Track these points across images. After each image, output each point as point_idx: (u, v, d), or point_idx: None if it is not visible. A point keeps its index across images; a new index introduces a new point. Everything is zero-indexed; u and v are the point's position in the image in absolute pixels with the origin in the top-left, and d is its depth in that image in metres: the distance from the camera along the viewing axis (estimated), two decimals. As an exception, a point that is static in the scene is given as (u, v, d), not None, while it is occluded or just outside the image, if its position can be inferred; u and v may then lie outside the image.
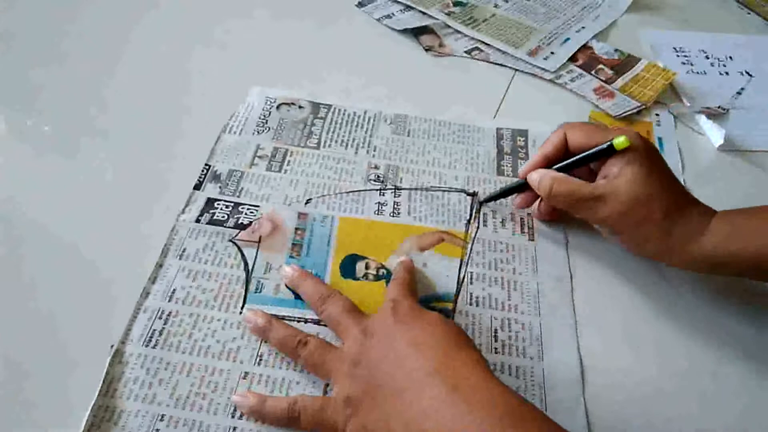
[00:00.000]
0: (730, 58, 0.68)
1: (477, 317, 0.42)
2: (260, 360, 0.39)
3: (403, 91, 0.59)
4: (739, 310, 0.44)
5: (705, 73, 0.66)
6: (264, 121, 0.54)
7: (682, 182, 0.51)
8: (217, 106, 0.55)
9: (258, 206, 0.47)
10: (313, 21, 0.67)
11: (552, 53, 0.66)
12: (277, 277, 0.43)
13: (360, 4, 0.70)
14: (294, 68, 0.60)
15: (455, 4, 0.71)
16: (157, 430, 0.36)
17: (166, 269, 0.43)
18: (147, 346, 0.39)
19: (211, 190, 0.48)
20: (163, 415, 0.36)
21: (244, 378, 0.38)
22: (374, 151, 0.53)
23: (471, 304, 0.43)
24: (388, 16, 0.69)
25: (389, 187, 0.50)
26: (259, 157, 0.51)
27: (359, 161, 0.52)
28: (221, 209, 0.46)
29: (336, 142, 0.53)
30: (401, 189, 0.50)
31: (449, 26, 0.68)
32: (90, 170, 0.49)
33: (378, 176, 0.51)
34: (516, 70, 0.64)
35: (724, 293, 0.45)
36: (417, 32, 0.67)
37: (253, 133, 0.53)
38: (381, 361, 0.35)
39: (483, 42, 0.67)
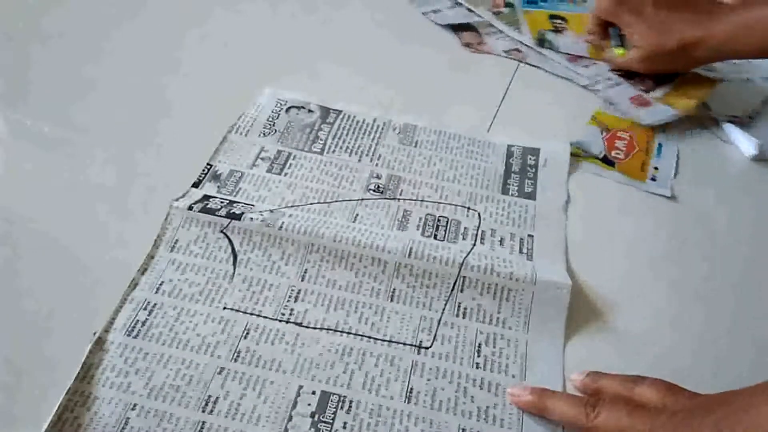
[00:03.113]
0: (751, 63, 0.66)
1: (462, 329, 0.41)
2: (237, 356, 0.39)
3: (411, 90, 0.60)
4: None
5: (728, 80, 0.64)
6: (272, 123, 0.55)
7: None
8: (229, 106, 0.55)
9: (252, 205, 0.47)
10: (322, 15, 0.68)
11: (594, 63, 0.65)
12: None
13: None
14: (305, 68, 0.61)
15: (507, 5, 0.72)
16: (128, 418, 0.36)
17: (157, 261, 0.43)
18: (129, 335, 0.39)
19: (209, 188, 0.48)
20: (135, 404, 0.36)
21: (219, 373, 0.38)
22: (378, 159, 0.53)
23: (458, 316, 0.42)
24: (435, 11, 0.70)
25: (388, 197, 0.49)
26: (262, 158, 0.51)
27: (362, 169, 0.52)
28: (215, 203, 0.46)
29: (341, 148, 0.53)
30: (401, 199, 0.49)
31: (492, 26, 0.69)
32: (92, 166, 0.50)
33: (378, 186, 0.50)
34: (554, 74, 0.63)
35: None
36: (457, 28, 0.68)
37: (259, 135, 0.53)
38: None
39: (523, 44, 0.67)
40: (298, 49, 0.63)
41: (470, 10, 0.70)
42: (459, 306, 0.42)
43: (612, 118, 0.59)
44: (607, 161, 0.55)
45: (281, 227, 0.44)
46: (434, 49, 0.65)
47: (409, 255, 0.43)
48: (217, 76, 0.59)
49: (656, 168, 0.54)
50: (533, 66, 0.64)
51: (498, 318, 0.42)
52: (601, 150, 0.55)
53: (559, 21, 0.69)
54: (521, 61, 0.64)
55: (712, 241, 0.49)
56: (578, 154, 0.55)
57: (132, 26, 0.64)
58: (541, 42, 0.66)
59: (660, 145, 0.57)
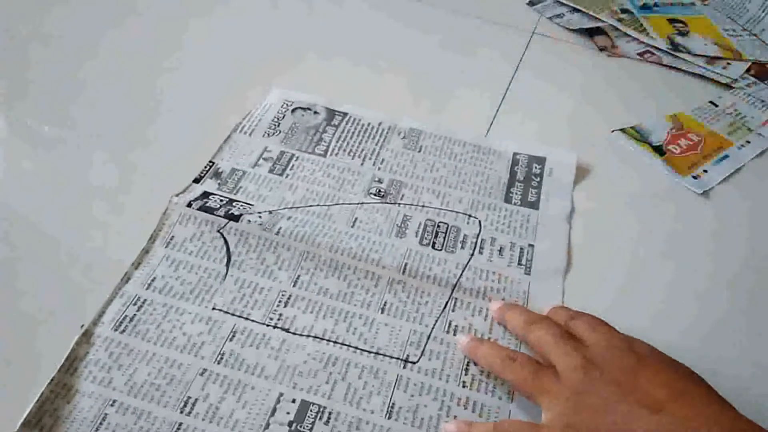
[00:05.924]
0: None
1: (452, 346, 0.40)
2: (221, 359, 0.39)
3: (421, 92, 0.59)
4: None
5: None
6: (276, 123, 0.54)
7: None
8: (234, 106, 0.55)
9: (252, 204, 0.47)
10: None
11: (728, 63, 0.66)
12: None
13: (531, 3, 0.74)
14: (313, 68, 0.61)
15: (622, 12, 0.73)
16: (106, 414, 0.36)
17: (151, 256, 0.43)
18: (116, 330, 0.39)
19: (209, 185, 0.48)
20: (114, 401, 0.36)
21: (201, 375, 0.38)
22: (381, 163, 0.52)
23: (449, 332, 0.41)
24: (559, 16, 0.72)
25: (388, 202, 0.49)
26: (264, 159, 0.51)
27: (364, 172, 0.51)
28: (215, 201, 0.46)
29: (344, 150, 0.53)
30: (401, 204, 0.49)
31: (619, 29, 0.70)
32: (92, 166, 0.50)
33: (379, 190, 0.50)
34: (692, 74, 0.65)
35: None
36: (590, 32, 0.70)
37: (263, 135, 0.53)
38: (613, 403, 0.33)
39: (656, 48, 0.68)
40: (306, 49, 0.63)
41: (593, 17, 0.71)
42: (450, 323, 0.42)
43: (693, 122, 0.60)
44: (659, 150, 0.56)
45: (278, 232, 0.44)
46: (443, 49, 0.65)
47: (404, 272, 0.43)
48: (222, 75, 0.59)
49: (705, 171, 0.55)
50: (671, 68, 0.65)
51: (489, 338, 0.41)
52: (660, 140, 0.57)
53: (680, 24, 0.70)
54: (658, 64, 0.66)
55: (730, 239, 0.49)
56: (634, 136, 0.57)
57: (132, 25, 0.64)
58: (675, 46, 0.67)
59: (726, 155, 0.57)
